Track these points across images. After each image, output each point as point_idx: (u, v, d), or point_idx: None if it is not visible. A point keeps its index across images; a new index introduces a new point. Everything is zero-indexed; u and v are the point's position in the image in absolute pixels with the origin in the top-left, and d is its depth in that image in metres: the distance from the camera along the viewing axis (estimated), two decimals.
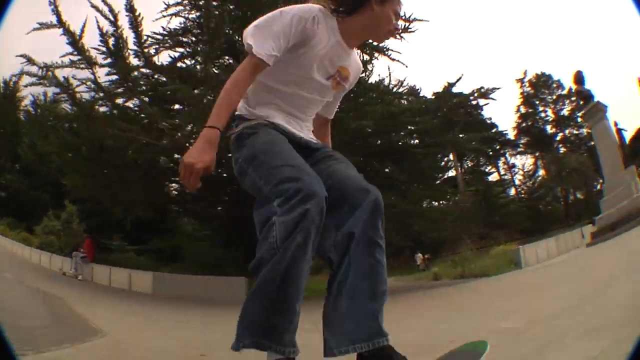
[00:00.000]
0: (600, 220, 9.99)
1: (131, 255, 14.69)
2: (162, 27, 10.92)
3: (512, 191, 34.56)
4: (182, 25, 11.12)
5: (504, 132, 36.43)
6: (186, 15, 10.88)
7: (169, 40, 11.02)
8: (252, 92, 1.32)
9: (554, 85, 40.28)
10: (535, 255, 11.10)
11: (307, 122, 1.41)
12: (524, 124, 35.44)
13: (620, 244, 6.63)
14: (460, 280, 10.40)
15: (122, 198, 11.41)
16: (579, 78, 11.06)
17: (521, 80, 36.70)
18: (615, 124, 10.33)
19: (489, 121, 36.83)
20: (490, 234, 25.30)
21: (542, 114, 39.27)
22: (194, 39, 11.26)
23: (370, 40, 1.79)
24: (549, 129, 39.44)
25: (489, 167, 36.75)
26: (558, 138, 39.32)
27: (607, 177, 10.13)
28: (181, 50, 11.27)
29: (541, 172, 33.11)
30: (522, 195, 31.99)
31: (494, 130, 36.71)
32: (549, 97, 39.54)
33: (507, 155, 36.50)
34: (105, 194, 11.32)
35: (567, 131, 39.52)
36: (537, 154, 34.27)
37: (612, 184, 9.78)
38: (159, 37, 10.81)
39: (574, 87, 11.26)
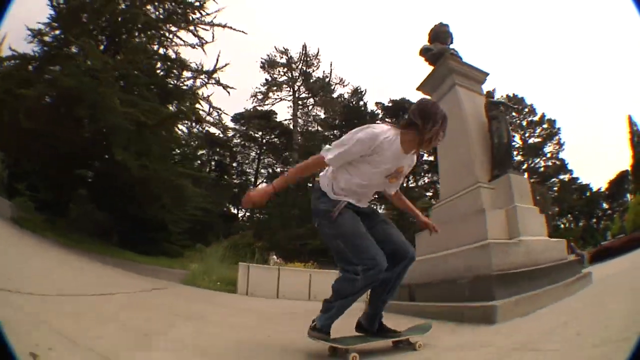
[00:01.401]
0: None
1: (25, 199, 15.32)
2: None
3: None
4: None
5: None
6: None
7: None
8: (336, 183, 1.96)
9: (526, 110, 35.57)
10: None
11: (369, 199, 2.11)
12: None
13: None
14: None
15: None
16: (439, 33, 5.93)
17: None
18: (490, 100, 5.13)
19: None
20: None
21: None
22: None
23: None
24: (515, 155, 34.58)
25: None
26: (524, 167, 34.48)
27: (444, 186, 5.06)
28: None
29: None
30: None
31: None
32: (518, 121, 34.74)
33: None
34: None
35: (537, 160, 34.80)
36: None
37: (454, 204, 4.66)
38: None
39: (427, 44, 5.95)
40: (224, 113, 12.74)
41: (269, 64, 29.23)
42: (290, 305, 5.93)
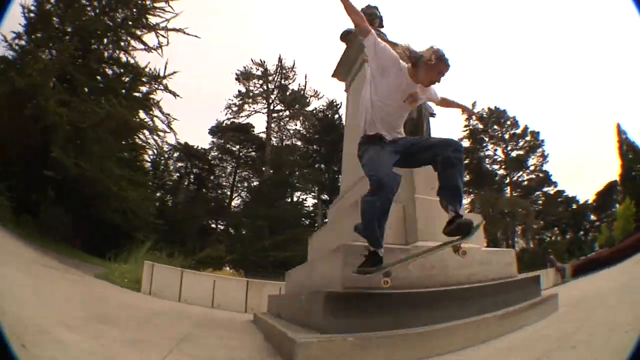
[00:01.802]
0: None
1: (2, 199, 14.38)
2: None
3: None
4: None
5: None
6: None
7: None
8: (369, 118, 2.35)
9: (508, 122, 35.05)
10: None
11: (398, 130, 2.42)
12: (466, 160, 29.61)
13: None
14: None
15: None
16: (364, 15, 5.07)
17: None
18: None
19: None
20: None
21: (491, 152, 33.80)
22: None
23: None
24: (497, 169, 33.88)
25: None
26: (507, 180, 33.69)
27: (343, 180, 4.32)
28: None
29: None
30: None
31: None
32: (500, 134, 34.15)
33: None
34: None
35: (520, 173, 33.96)
36: (475, 193, 28.31)
37: (345, 200, 3.63)
38: None
39: (348, 28, 5.05)
40: (174, 119, 12.29)
41: (244, 76, 28.61)
42: (163, 306, 5.43)
